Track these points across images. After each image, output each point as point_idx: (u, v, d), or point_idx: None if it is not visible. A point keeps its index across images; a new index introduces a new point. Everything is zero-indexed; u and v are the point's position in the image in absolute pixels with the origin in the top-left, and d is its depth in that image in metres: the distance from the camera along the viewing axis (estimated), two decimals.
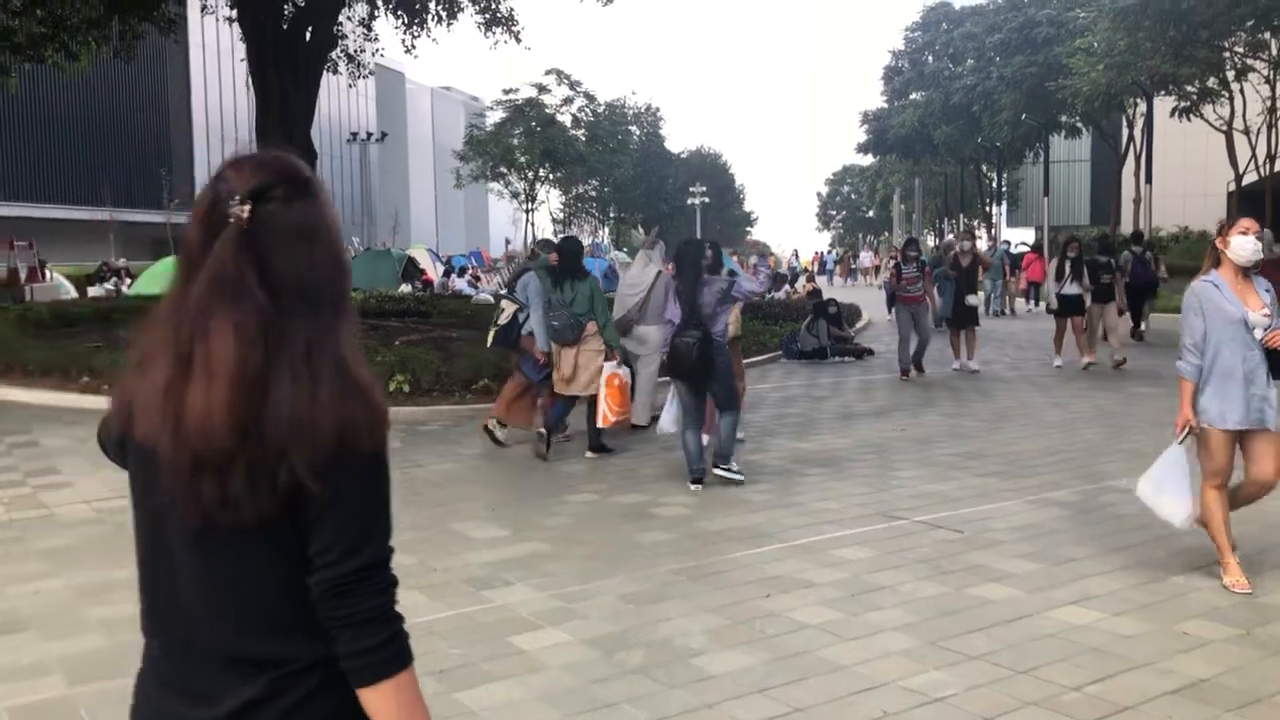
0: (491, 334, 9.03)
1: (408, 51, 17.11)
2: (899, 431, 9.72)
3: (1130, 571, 5.39)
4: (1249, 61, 35.26)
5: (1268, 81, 35.47)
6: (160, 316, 1.49)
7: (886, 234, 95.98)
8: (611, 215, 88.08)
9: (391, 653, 1.47)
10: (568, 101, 71.11)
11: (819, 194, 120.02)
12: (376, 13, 16.52)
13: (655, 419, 8.78)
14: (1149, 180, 25.33)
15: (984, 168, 65.45)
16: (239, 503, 1.42)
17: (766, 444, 9.15)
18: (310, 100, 14.88)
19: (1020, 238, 59.18)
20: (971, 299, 14.16)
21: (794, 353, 16.14)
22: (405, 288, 28.31)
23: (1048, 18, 43.21)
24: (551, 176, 75.00)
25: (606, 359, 8.29)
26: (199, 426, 1.41)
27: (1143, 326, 17.47)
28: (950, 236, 21.02)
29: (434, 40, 18.50)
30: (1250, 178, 49.32)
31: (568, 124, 71.61)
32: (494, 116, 72.54)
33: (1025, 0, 46.14)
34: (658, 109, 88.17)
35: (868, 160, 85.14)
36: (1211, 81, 35.57)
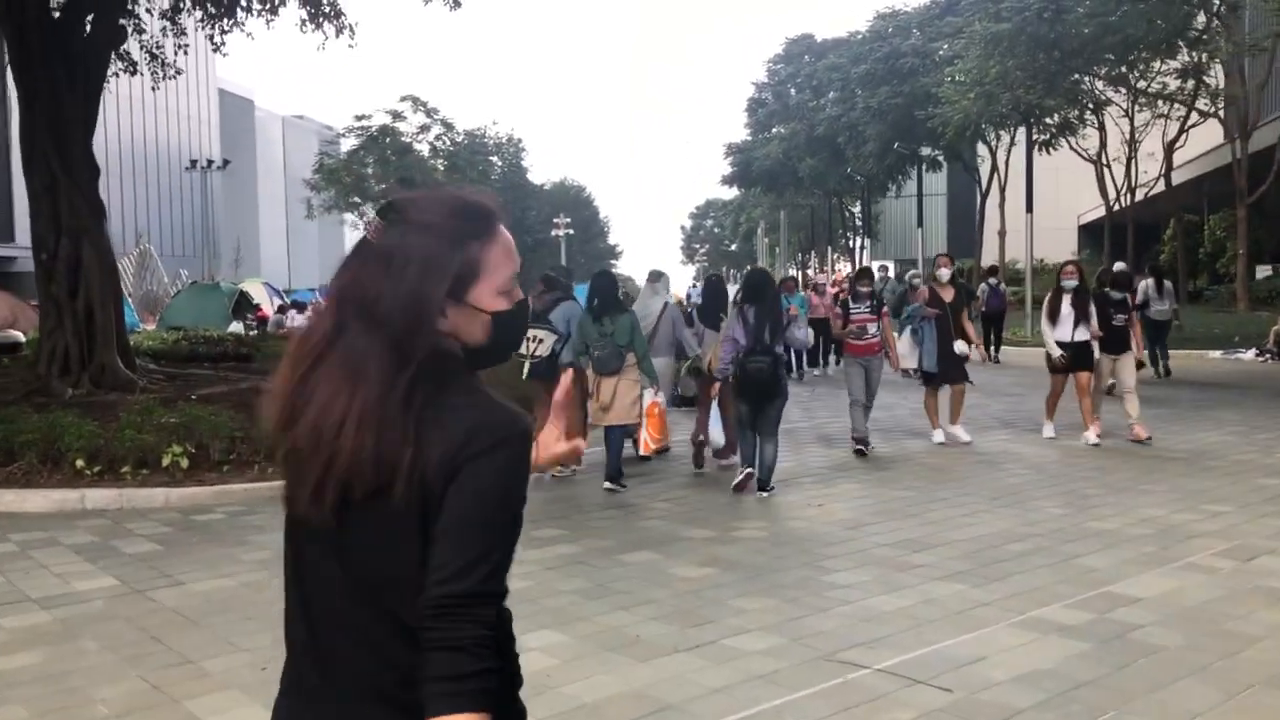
0: (527, 366, 8.83)
1: (216, 50, 14.61)
2: (816, 508, 7.80)
3: None
4: (1109, 95, 35.40)
5: (1126, 115, 35.69)
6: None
7: (750, 267, 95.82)
8: None
9: (474, 688, 1.43)
10: (424, 129, 68.56)
11: (683, 227, 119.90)
12: (182, 3, 13.97)
13: (667, 449, 9.96)
14: (1029, 209, 24.55)
15: (845, 200, 65.43)
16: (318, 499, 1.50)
17: (655, 531, 7.10)
18: (91, 105, 12.29)
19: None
20: (961, 346, 10.63)
21: (675, 399, 14.15)
22: (235, 326, 25.46)
23: (912, 48, 42.89)
24: None
25: (645, 389, 8.48)
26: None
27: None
28: (911, 274, 18.12)
29: (250, 36, 16.01)
30: (1094, 215, 50.28)
31: (425, 153, 69.01)
32: (347, 145, 69.51)
33: (889, 31, 45.81)
34: (520, 140, 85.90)
35: (731, 193, 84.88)
36: (1073, 114, 35.58)
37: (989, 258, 47.32)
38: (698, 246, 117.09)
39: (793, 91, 59.39)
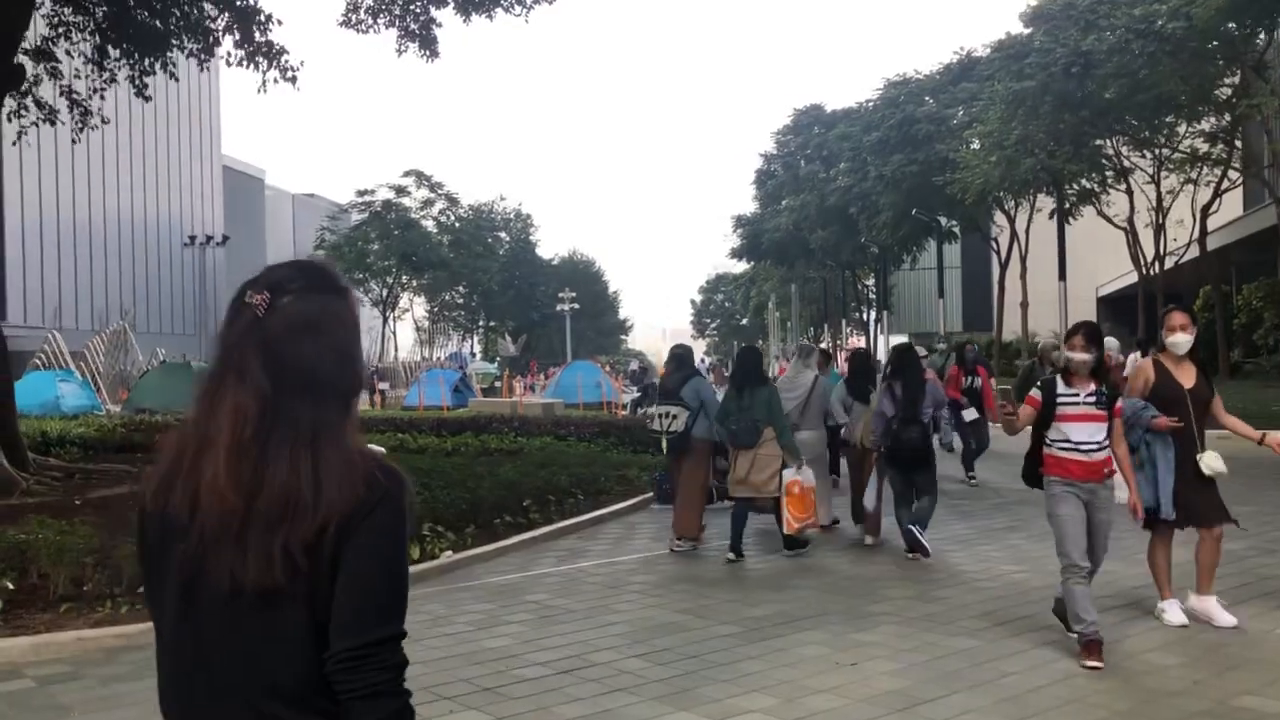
0: (665, 443, 9.30)
1: (139, 93, 12.86)
2: (848, 667, 5.69)
3: None
4: (1134, 160, 33.74)
5: (1152, 180, 33.97)
6: (195, 397, 1.67)
7: (761, 341, 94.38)
8: (480, 324, 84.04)
9: None
10: (428, 204, 67.42)
11: (692, 301, 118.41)
12: (110, 46, 12.24)
13: (836, 521, 10.04)
14: (1062, 277, 22.62)
15: (858, 273, 63.74)
16: (255, 566, 1.55)
17: (622, 715, 5.01)
18: None
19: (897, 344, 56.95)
20: (1213, 461, 6.31)
21: (669, 495, 12.10)
22: None
23: (927, 115, 41.39)
24: (414, 283, 70.66)
25: (785, 466, 8.63)
26: (206, 490, 1.58)
27: None
28: (1045, 340, 14.44)
29: (174, 78, 14.20)
30: (1114, 285, 48.32)
31: (431, 228, 67.80)
32: (352, 220, 68.40)
33: (900, 98, 44.37)
34: (529, 215, 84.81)
35: (741, 267, 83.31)
36: (1093, 181, 33.84)
37: (1009, 331, 45.37)
38: (708, 321, 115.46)
39: (802, 163, 58.03)
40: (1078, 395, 5.82)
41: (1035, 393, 6.03)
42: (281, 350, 1.61)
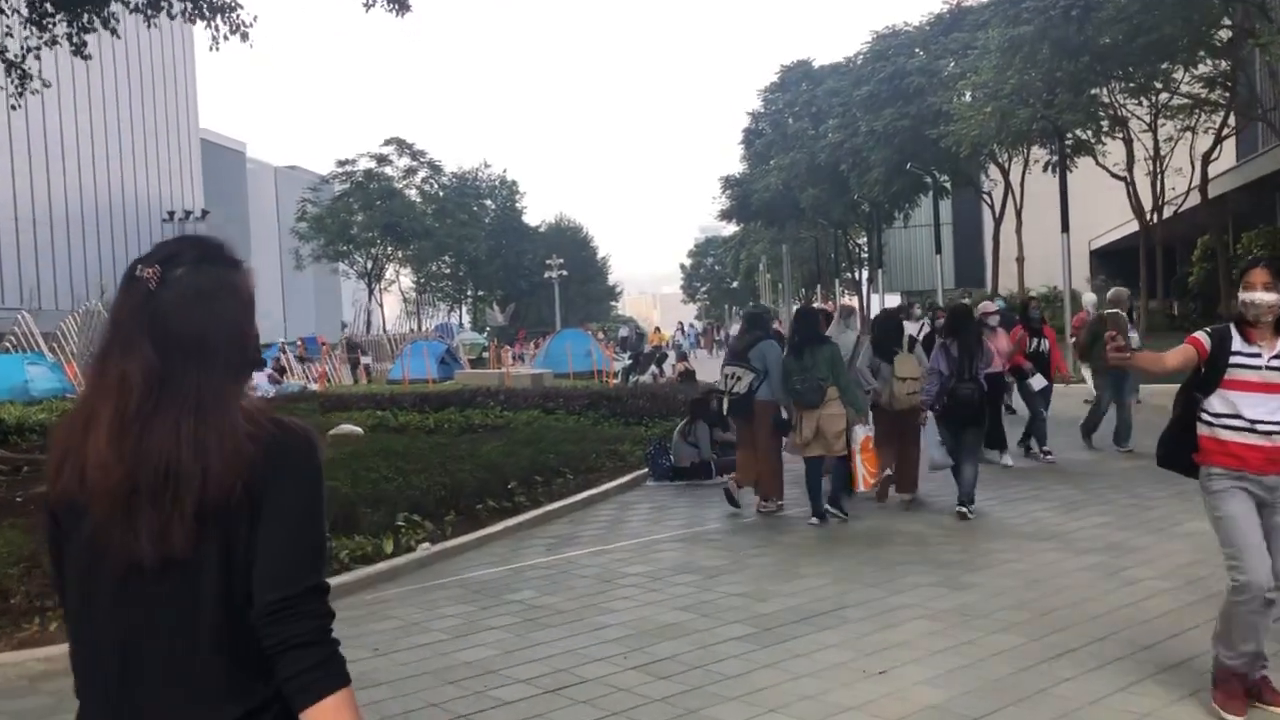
0: (727, 403, 9.26)
1: (76, 52, 11.94)
2: (876, 675, 4.98)
3: None
4: (1130, 108, 32.87)
5: (1149, 129, 33.13)
6: (85, 376, 1.69)
7: (752, 303, 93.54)
8: (469, 294, 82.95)
9: (333, 670, 1.55)
10: (411, 173, 66.28)
11: (682, 265, 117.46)
12: (47, 3, 11.29)
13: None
14: (1065, 229, 21.90)
15: (849, 232, 62.78)
16: (150, 539, 1.51)
17: None
18: None
19: (890, 304, 56.25)
20: None
21: (664, 470, 11.38)
22: None
23: (917, 67, 40.39)
24: (399, 254, 69.59)
25: (856, 424, 8.63)
26: (92, 466, 1.53)
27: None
28: (1116, 289, 12.56)
29: (118, 36, 13.31)
30: (1108, 238, 47.55)
31: (415, 197, 66.73)
32: (334, 191, 67.32)
33: (890, 51, 43.35)
34: (514, 181, 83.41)
35: (730, 229, 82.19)
36: (1088, 132, 32.95)
37: (1004, 288, 44.59)
38: (699, 285, 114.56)
39: (790, 120, 56.99)
40: (1259, 356, 4.19)
41: (1203, 337, 4.38)
42: (172, 321, 1.57)
